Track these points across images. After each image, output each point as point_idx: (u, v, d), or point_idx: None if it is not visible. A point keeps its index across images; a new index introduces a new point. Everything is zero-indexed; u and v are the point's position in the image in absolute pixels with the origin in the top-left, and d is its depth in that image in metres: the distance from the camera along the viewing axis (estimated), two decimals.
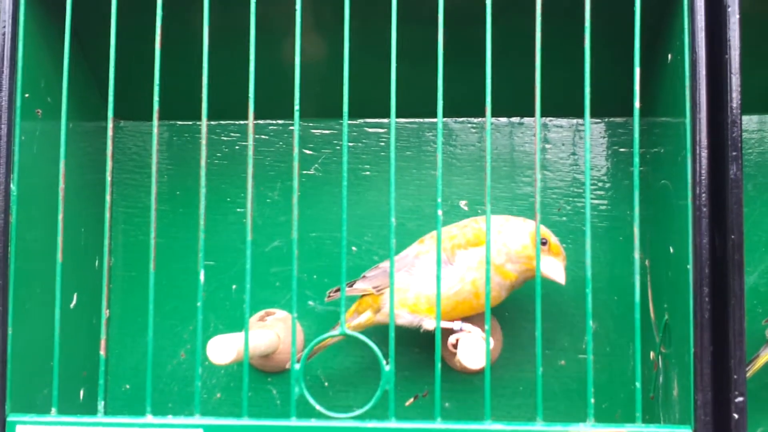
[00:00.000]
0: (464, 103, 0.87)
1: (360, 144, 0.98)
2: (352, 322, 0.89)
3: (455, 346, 0.84)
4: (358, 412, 0.69)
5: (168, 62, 0.73)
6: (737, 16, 0.69)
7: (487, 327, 0.70)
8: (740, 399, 0.66)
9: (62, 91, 0.74)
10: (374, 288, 0.87)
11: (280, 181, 0.98)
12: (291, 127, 0.98)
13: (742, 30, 0.69)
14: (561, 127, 0.96)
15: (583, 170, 0.92)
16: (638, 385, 0.69)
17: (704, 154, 0.69)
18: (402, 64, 0.70)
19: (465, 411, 0.93)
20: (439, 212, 0.70)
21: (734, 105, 0.68)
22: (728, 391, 0.67)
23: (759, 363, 0.85)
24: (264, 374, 0.96)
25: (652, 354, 0.85)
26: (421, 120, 0.97)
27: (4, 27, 0.74)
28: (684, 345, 0.70)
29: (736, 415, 0.66)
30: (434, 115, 0.71)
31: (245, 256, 0.71)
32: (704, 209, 0.68)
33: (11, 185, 0.74)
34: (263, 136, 0.98)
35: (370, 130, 0.98)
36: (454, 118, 0.97)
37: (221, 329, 0.96)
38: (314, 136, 0.98)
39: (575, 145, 0.96)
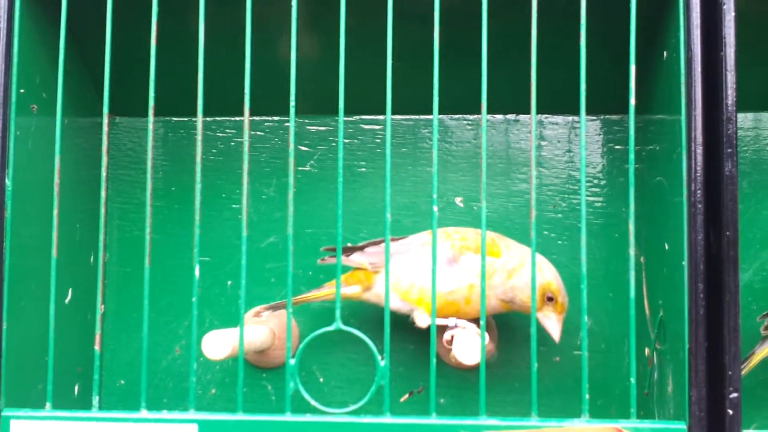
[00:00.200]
0: (460, 100, 0.87)
1: (356, 140, 0.98)
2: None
3: (450, 342, 0.84)
4: (353, 407, 0.69)
5: (163, 58, 0.73)
6: (732, 14, 0.69)
7: (482, 323, 0.70)
8: (735, 395, 0.67)
9: (57, 87, 0.74)
10: (370, 264, 0.87)
11: (275, 178, 0.98)
12: (287, 124, 0.98)
13: (737, 27, 0.69)
14: (557, 124, 0.96)
15: (579, 167, 0.92)
16: (633, 381, 0.69)
17: (699, 151, 0.69)
18: (398, 61, 0.70)
19: (460, 407, 0.94)
20: (435, 208, 0.70)
21: (729, 102, 0.69)
22: (723, 387, 0.67)
23: (754, 360, 0.85)
24: (259, 370, 0.96)
25: (647, 350, 0.85)
26: (417, 117, 0.97)
27: (0, 23, 0.74)
28: (679, 341, 0.70)
29: (730, 411, 0.67)
30: (430, 112, 0.71)
31: (240, 252, 0.71)
32: (699, 206, 0.68)
33: (6, 181, 0.74)
34: (259, 133, 0.98)
35: (366, 126, 0.98)
36: (449, 115, 0.97)
37: (216, 325, 0.96)
38: (310, 132, 0.98)
39: (571, 142, 0.96)
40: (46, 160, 0.77)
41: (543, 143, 0.96)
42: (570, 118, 0.96)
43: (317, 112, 0.97)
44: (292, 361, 0.70)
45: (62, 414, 0.71)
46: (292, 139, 0.71)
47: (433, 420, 0.68)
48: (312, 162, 0.98)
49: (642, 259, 0.88)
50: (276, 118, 0.99)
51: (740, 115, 0.90)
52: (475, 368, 0.84)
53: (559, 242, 0.94)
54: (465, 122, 0.97)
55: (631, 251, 0.69)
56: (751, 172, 0.92)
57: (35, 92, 0.79)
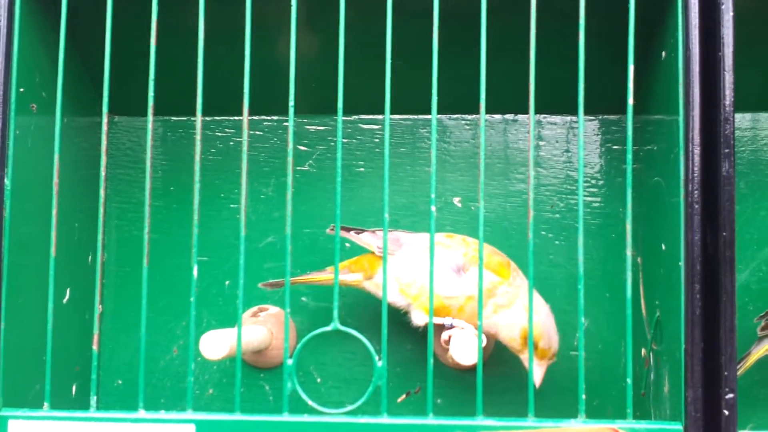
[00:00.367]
0: (458, 100, 0.88)
1: (354, 140, 0.98)
2: (340, 276, 0.88)
3: (448, 342, 0.84)
4: (350, 407, 0.70)
5: (163, 58, 0.73)
6: (731, 14, 0.69)
7: (479, 323, 0.71)
8: (730, 395, 0.67)
9: (57, 86, 0.74)
10: (378, 248, 0.87)
11: (274, 177, 0.98)
12: (285, 123, 0.98)
13: (735, 28, 0.69)
14: (555, 124, 0.96)
15: (577, 167, 0.92)
16: (629, 381, 0.69)
17: (697, 151, 0.69)
18: (397, 61, 0.70)
19: (457, 407, 0.94)
20: (433, 208, 0.71)
21: (727, 102, 0.69)
22: (719, 388, 0.67)
23: (750, 361, 0.85)
24: (256, 370, 0.96)
25: (643, 351, 0.85)
26: (416, 117, 0.98)
27: (0, 22, 0.74)
28: (675, 342, 0.70)
29: (726, 412, 0.67)
30: (428, 112, 0.71)
31: (239, 252, 0.71)
32: (696, 206, 0.68)
33: (5, 180, 0.74)
34: (257, 132, 0.98)
35: (365, 126, 0.98)
36: (448, 115, 0.97)
37: (214, 325, 0.96)
38: (309, 132, 0.98)
39: (569, 142, 0.96)
40: (46, 159, 0.77)
41: (541, 143, 0.96)
42: (568, 118, 0.96)
43: (316, 111, 0.97)
44: (290, 362, 0.70)
45: (60, 414, 0.71)
46: (291, 138, 0.71)
47: (430, 420, 0.68)
48: (311, 162, 0.98)
49: (639, 260, 0.88)
50: (275, 118, 0.99)
51: (738, 116, 0.90)
52: (472, 368, 0.84)
53: (557, 242, 0.94)
54: (463, 122, 0.97)
55: (628, 251, 0.69)
56: (748, 173, 0.92)
57: (35, 91, 0.79)
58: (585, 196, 0.95)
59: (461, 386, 0.94)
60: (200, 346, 0.80)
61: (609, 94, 0.78)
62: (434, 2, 0.70)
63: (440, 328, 0.86)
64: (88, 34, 0.79)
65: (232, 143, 0.99)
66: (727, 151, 0.68)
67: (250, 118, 0.92)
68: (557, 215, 0.95)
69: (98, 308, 0.75)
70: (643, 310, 0.85)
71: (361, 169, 0.97)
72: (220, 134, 0.99)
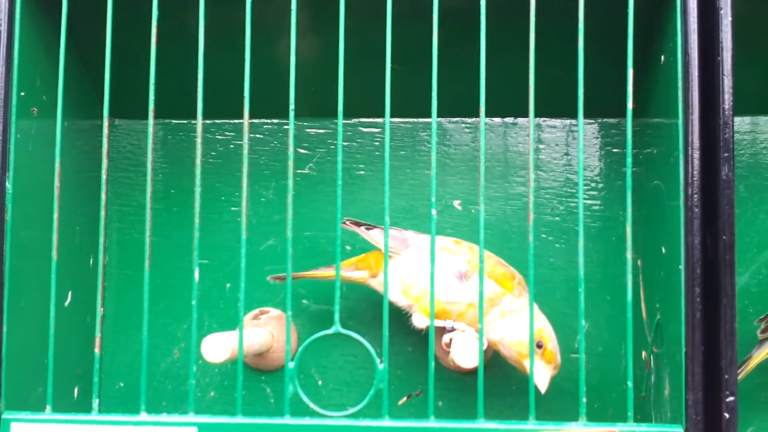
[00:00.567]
0: (458, 103, 0.88)
1: (354, 143, 0.98)
2: (345, 272, 0.89)
3: (449, 345, 0.84)
4: (351, 410, 0.70)
5: (163, 61, 0.73)
6: (729, 18, 0.69)
7: (480, 326, 0.71)
8: (731, 399, 0.67)
9: (58, 90, 0.74)
10: None
11: (274, 180, 0.98)
12: (286, 126, 0.98)
13: (734, 32, 0.69)
14: (554, 127, 0.96)
15: (577, 170, 0.92)
16: (630, 384, 0.70)
17: (696, 155, 0.69)
18: (397, 64, 0.70)
19: (458, 410, 0.94)
20: (433, 212, 0.71)
21: (726, 106, 0.69)
22: (719, 391, 0.67)
23: (751, 364, 0.85)
24: (258, 373, 0.96)
25: (644, 353, 0.85)
26: (416, 120, 0.98)
27: (0, 25, 0.74)
28: (675, 345, 0.70)
29: (726, 415, 0.67)
30: (428, 115, 0.71)
31: (240, 255, 0.71)
32: (696, 210, 0.69)
33: (7, 183, 0.74)
34: (258, 135, 0.99)
35: (365, 129, 0.98)
36: (448, 118, 0.97)
37: (215, 328, 0.96)
38: (309, 135, 0.98)
39: (568, 146, 0.96)
40: (47, 162, 0.77)
41: (541, 146, 0.96)
42: (568, 122, 0.96)
43: (316, 114, 0.97)
44: (291, 364, 0.70)
45: (62, 417, 0.71)
46: (292, 141, 0.71)
47: (432, 423, 0.68)
48: (311, 165, 0.98)
49: (639, 263, 0.88)
50: (275, 121, 0.99)
51: (737, 119, 0.90)
52: (473, 371, 0.84)
53: (557, 245, 0.94)
54: (463, 125, 0.97)
55: (629, 254, 0.69)
56: (747, 176, 0.93)
57: (35, 95, 0.79)
58: (585, 199, 0.95)
59: (462, 389, 0.94)
60: (202, 349, 0.80)
61: (608, 98, 0.78)
62: (434, 6, 0.70)
63: (441, 331, 0.86)
64: (89, 37, 0.79)
65: (232, 146, 0.99)
66: (726, 154, 0.68)
67: (250, 121, 0.92)
68: (557, 218, 0.95)
69: (100, 311, 0.75)
70: (644, 313, 0.85)
71: (362, 172, 0.98)
72: (220, 137, 0.99)
